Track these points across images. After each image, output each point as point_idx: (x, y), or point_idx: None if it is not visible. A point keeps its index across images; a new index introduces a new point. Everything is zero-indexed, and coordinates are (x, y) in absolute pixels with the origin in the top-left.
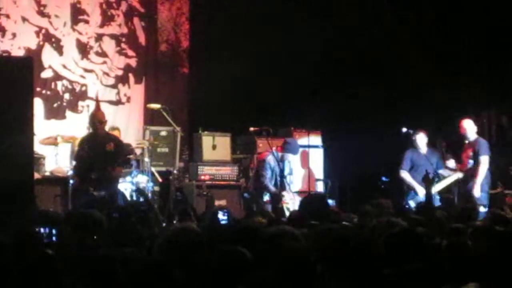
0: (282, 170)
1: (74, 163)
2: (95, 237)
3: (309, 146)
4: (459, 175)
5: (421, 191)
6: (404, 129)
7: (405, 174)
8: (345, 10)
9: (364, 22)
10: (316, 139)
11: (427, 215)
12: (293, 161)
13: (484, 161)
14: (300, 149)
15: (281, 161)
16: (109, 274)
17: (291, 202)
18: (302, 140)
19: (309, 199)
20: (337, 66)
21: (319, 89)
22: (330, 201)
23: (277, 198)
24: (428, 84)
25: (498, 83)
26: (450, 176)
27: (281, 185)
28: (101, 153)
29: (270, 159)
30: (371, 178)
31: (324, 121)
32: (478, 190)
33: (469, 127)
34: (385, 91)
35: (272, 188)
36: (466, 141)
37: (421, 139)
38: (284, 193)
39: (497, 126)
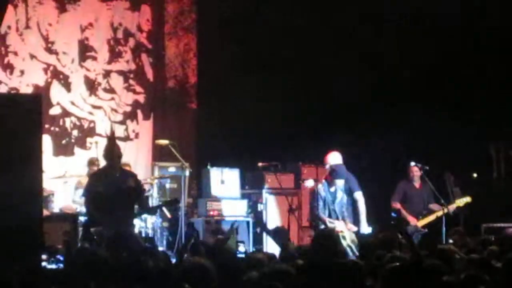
0: (333, 199)
1: (85, 198)
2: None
3: (317, 181)
4: (446, 210)
5: (412, 221)
6: (413, 163)
7: (396, 205)
8: (351, 47)
9: (371, 58)
10: (324, 174)
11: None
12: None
13: (360, 197)
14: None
15: (331, 187)
16: None
17: (346, 230)
18: (310, 174)
19: (320, 234)
20: (344, 100)
21: (327, 124)
22: None
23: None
24: (433, 116)
25: (507, 114)
26: (437, 212)
27: (332, 214)
28: (122, 189)
29: (320, 189)
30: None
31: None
32: (365, 226)
33: (336, 161)
34: (393, 125)
35: (324, 218)
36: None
37: (416, 172)
38: (336, 222)
39: (505, 158)
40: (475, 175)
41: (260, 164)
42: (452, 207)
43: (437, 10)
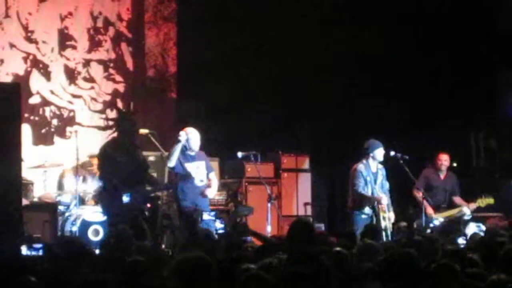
0: (375, 179)
1: (104, 168)
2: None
3: (297, 170)
4: (466, 210)
5: (429, 212)
6: (392, 153)
7: (418, 193)
8: (335, 35)
9: (353, 47)
10: (304, 163)
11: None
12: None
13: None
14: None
15: (372, 168)
16: None
17: (387, 212)
18: (290, 164)
19: (296, 223)
20: (325, 90)
21: (307, 113)
22: (319, 225)
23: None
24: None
25: (487, 104)
26: (456, 209)
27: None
28: (136, 161)
29: (361, 168)
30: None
31: (312, 145)
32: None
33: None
34: (378, 113)
35: (367, 193)
36: None
37: (444, 162)
38: (382, 195)
39: (485, 148)
40: (455, 164)
41: (239, 153)
42: (472, 206)
43: None
